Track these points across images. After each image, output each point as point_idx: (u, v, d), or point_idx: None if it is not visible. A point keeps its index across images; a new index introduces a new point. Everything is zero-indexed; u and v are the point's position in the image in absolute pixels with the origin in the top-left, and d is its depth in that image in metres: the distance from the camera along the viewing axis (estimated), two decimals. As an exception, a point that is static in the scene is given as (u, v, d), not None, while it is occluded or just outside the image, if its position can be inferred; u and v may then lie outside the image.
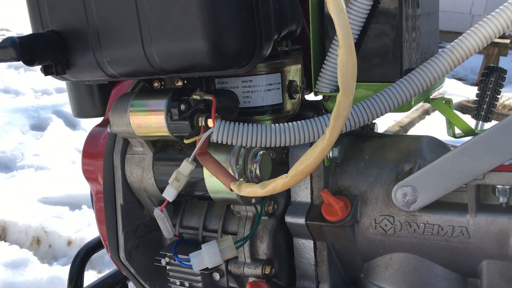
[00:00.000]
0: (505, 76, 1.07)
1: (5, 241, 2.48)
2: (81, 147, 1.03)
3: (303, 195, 0.92)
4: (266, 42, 0.76)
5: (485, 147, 0.75)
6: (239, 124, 0.77)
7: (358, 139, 0.97)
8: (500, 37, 7.04)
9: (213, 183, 0.86)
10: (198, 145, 0.77)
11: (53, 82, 5.52)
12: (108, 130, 0.89)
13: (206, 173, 0.86)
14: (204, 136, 0.76)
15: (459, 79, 7.72)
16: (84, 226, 2.60)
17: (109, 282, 1.38)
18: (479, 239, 0.80)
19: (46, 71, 0.83)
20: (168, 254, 0.94)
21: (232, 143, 0.77)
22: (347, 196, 0.89)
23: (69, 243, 2.51)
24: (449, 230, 0.82)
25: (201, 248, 0.87)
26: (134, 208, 0.97)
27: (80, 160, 1.05)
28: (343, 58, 0.61)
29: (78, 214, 2.73)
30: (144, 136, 0.86)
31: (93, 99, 1.12)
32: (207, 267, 0.86)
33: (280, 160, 0.94)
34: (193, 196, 0.91)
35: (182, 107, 0.79)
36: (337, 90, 0.70)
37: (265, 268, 0.91)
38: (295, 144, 0.77)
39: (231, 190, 0.76)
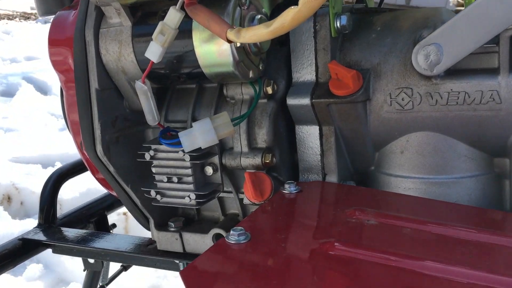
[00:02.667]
0: None
1: (-28, 199, 2.32)
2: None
3: (306, 73, 0.80)
4: None
5: (525, -18, 0.64)
6: None
7: (366, 15, 0.86)
8: None
9: (205, 53, 0.74)
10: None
11: (21, 51, 5.27)
12: None
13: (197, 41, 0.73)
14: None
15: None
16: (58, 182, 2.44)
17: (83, 212, 1.25)
18: (512, 103, 0.69)
19: None
20: (153, 146, 0.81)
21: None
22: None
23: (42, 199, 2.35)
24: (477, 96, 0.71)
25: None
26: (111, 96, 0.84)
27: (47, 52, 0.91)
28: None
29: (51, 170, 2.56)
30: None
31: None
32: (200, 148, 0.74)
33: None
34: (182, 74, 0.79)
35: None
36: None
37: (265, 157, 0.80)
38: None
39: (228, 41, 0.64)
